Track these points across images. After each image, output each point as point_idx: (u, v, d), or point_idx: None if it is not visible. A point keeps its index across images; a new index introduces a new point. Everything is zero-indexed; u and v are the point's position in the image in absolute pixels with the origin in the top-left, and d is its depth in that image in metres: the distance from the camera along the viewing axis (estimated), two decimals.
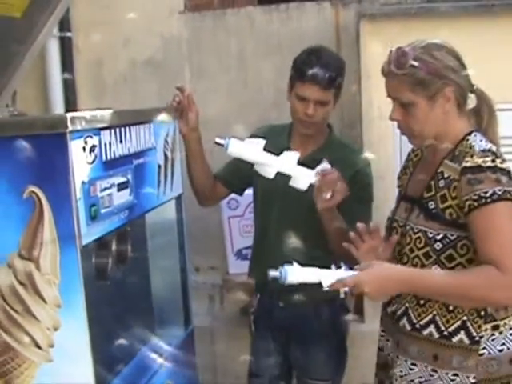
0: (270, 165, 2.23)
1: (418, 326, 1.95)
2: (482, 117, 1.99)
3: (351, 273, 1.89)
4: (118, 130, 2.04)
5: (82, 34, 3.93)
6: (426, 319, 1.94)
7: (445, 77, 1.89)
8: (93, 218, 1.87)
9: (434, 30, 3.10)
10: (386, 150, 3.27)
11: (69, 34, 3.88)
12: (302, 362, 2.70)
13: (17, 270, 1.85)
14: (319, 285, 1.89)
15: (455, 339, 1.90)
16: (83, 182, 1.82)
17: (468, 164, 1.83)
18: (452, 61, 1.92)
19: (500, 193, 1.78)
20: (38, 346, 1.89)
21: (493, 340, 1.89)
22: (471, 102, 1.98)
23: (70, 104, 3.91)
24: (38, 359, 1.90)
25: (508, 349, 1.90)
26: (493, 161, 1.82)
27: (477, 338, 1.88)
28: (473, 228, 1.83)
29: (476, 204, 1.80)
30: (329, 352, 2.66)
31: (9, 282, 1.86)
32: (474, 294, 1.81)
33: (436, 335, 1.92)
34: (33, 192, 1.80)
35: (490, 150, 1.85)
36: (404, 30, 3.12)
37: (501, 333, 1.89)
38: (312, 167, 2.26)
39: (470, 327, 1.89)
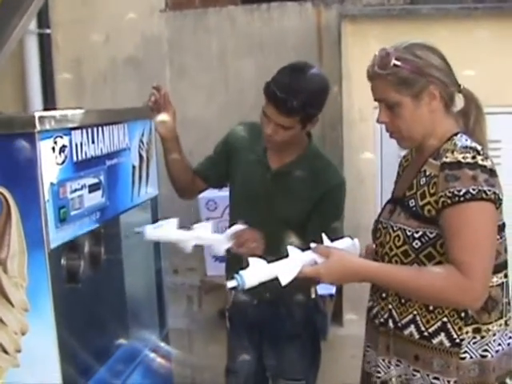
0: (186, 240, 2.30)
1: (399, 324, 1.92)
2: (469, 117, 1.96)
3: (308, 257, 1.88)
4: (89, 130, 1.99)
5: (61, 30, 3.88)
6: (407, 319, 1.91)
7: (428, 75, 1.87)
8: (62, 220, 1.83)
9: (415, 32, 3.08)
10: (366, 152, 3.25)
11: (48, 31, 3.83)
12: (274, 361, 2.69)
13: None
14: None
15: (435, 341, 1.87)
16: (52, 184, 1.78)
17: (448, 160, 1.80)
18: (436, 59, 1.90)
19: (474, 192, 1.75)
20: (5, 351, 1.85)
21: (474, 343, 1.86)
22: (459, 102, 1.96)
23: (49, 102, 3.86)
24: (5, 364, 1.86)
25: (492, 356, 1.87)
26: (473, 157, 1.78)
27: (457, 341, 1.85)
28: (444, 226, 1.80)
29: (449, 201, 1.77)
30: (301, 351, 2.64)
31: None
32: (433, 294, 1.80)
33: (416, 335, 1.89)
34: (0, 193, 1.76)
35: (472, 148, 1.81)
36: (386, 32, 3.10)
37: (483, 337, 1.86)
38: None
39: (451, 329, 1.86)
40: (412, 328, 1.90)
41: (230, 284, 1.84)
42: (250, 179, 2.58)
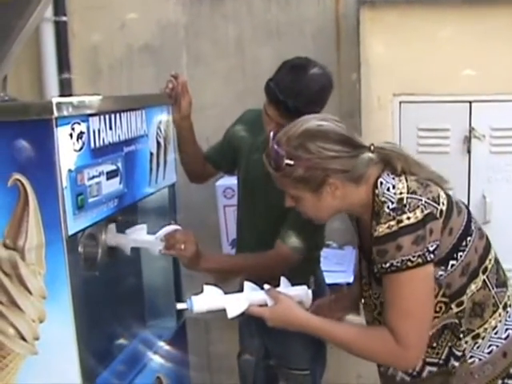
0: (124, 243, 2.30)
1: (414, 373, 1.93)
2: (395, 166, 1.85)
3: (260, 296, 1.98)
4: (107, 116, 1.98)
5: (77, 17, 3.85)
6: (420, 364, 1.91)
7: (325, 169, 1.79)
8: (80, 207, 1.82)
9: (434, 18, 3.06)
10: (385, 140, 3.22)
11: (64, 18, 3.81)
12: (278, 351, 2.70)
13: (1, 259, 1.80)
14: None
15: (450, 364, 1.89)
16: (70, 170, 1.77)
17: (376, 234, 1.76)
18: (330, 148, 1.79)
19: (398, 264, 1.74)
20: (23, 338, 1.85)
21: (478, 348, 1.87)
22: (374, 157, 1.85)
23: (66, 89, 3.84)
24: (23, 352, 1.86)
25: (497, 346, 1.88)
26: (398, 222, 1.72)
27: (460, 354, 1.87)
28: None
29: (382, 271, 1.79)
30: (304, 341, 2.60)
31: None
32: (370, 357, 1.89)
33: (435, 369, 1.90)
34: (18, 180, 1.75)
35: (396, 209, 1.74)
36: (404, 18, 3.06)
37: (483, 338, 1.87)
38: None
39: (455, 351, 1.88)
40: (428, 367, 1.91)
41: (180, 306, 1.97)
42: (250, 168, 2.59)
